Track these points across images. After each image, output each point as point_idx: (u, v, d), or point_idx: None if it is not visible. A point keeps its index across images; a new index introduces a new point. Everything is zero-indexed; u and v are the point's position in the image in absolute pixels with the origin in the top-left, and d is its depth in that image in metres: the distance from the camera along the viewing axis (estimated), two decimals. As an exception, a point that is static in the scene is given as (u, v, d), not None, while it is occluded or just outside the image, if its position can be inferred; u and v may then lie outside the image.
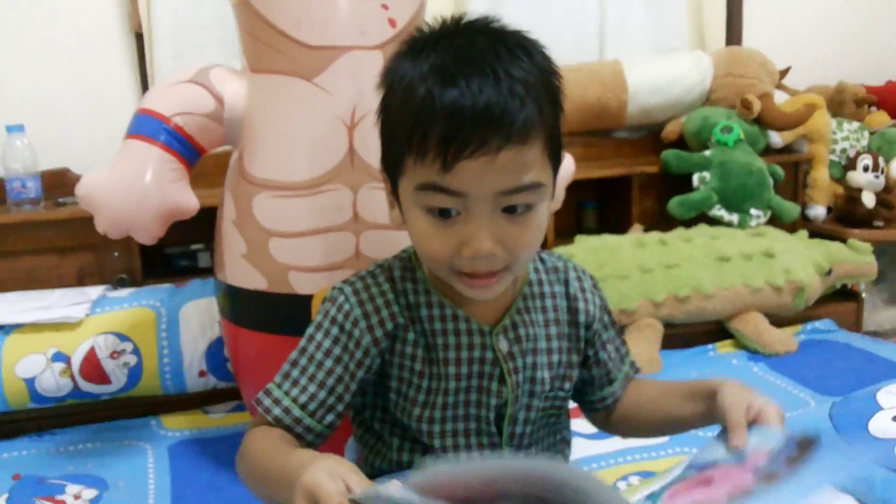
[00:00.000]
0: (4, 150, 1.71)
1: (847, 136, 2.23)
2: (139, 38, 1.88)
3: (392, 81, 0.70)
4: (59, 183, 1.80)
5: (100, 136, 1.79)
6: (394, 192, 0.73)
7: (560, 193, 1.32)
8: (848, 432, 1.31)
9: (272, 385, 0.75)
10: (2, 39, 1.82)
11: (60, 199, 1.76)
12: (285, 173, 1.11)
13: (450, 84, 0.64)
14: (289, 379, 0.74)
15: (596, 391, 0.85)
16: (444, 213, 0.67)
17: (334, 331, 0.74)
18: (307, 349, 0.75)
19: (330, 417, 0.74)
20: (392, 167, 0.72)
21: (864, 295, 2.09)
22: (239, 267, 1.16)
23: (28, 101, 1.83)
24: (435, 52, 0.67)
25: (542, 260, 0.82)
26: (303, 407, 0.73)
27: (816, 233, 2.03)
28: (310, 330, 0.76)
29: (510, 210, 0.67)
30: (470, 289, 0.70)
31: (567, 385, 0.81)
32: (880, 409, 1.34)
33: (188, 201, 1.14)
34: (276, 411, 0.73)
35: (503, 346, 0.76)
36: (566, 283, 0.82)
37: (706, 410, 0.73)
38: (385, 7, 1.11)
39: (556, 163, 0.71)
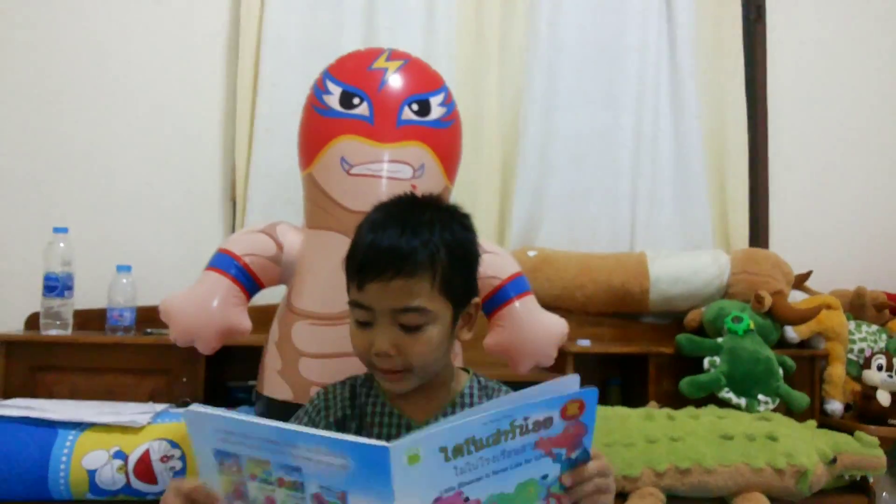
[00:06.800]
0: (112, 284, 2.08)
1: (865, 337, 2.35)
2: (234, 204, 2.29)
3: (356, 230, 1.00)
4: (150, 317, 2.12)
5: (191, 281, 2.14)
6: None
7: (552, 351, 1.53)
8: None
9: None
10: (121, 196, 2.27)
11: (149, 330, 2.08)
12: (320, 306, 1.39)
13: (372, 232, 0.94)
14: None
15: None
16: (363, 324, 0.95)
17: (305, 419, 1.02)
18: None
19: None
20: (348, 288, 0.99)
21: (885, 495, 2.11)
22: (274, 380, 1.41)
23: (138, 247, 2.23)
24: (380, 211, 0.98)
25: (478, 381, 1.06)
26: None
27: (832, 426, 2.11)
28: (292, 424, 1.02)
29: (405, 327, 0.93)
30: (383, 380, 0.97)
31: None
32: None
33: (243, 323, 1.42)
34: None
35: None
36: (492, 398, 1.04)
37: None
38: (414, 187, 1.42)
39: (454, 299, 0.96)
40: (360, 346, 0.95)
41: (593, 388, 0.78)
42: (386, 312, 0.92)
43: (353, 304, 0.95)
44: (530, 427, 0.74)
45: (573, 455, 0.81)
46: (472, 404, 1.03)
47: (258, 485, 0.74)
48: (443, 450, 0.69)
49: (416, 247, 0.92)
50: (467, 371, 1.08)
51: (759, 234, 2.62)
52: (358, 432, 0.99)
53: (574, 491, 0.81)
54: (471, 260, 1.00)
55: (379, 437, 0.98)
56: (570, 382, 0.80)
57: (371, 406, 1.02)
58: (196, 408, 0.74)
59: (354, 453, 0.67)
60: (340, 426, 1.01)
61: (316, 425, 1.00)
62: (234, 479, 0.75)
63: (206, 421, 0.74)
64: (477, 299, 1.02)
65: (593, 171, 2.49)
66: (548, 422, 0.76)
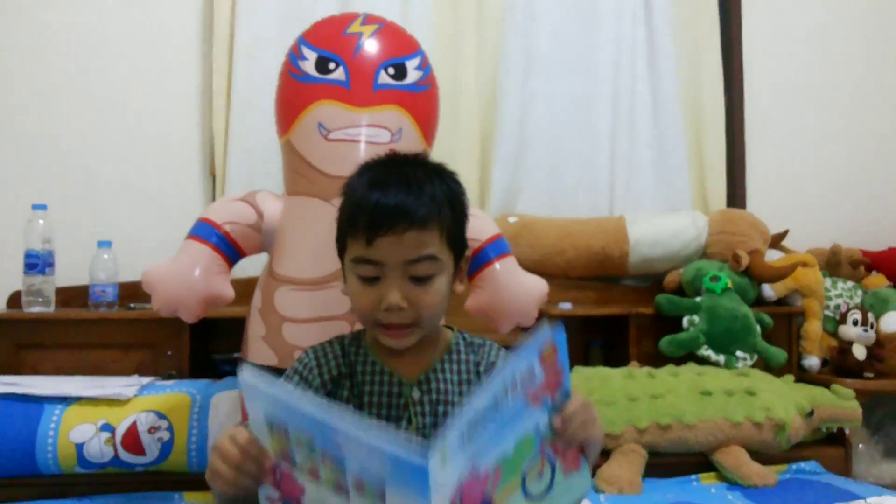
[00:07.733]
0: (93, 261, 2.07)
1: (841, 293, 2.39)
2: (214, 178, 2.29)
3: (345, 191, 1.00)
4: (133, 293, 2.13)
5: (172, 255, 2.15)
6: (343, 269, 1.01)
7: (532, 311, 1.55)
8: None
9: None
10: (100, 172, 2.26)
11: (132, 305, 2.08)
12: (302, 271, 1.40)
13: (376, 190, 0.94)
14: None
15: None
16: (369, 280, 0.95)
17: (295, 379, 1.01)
18: None
19: None
20: (340, 249, 1.00)
21: (860, 446, 2.17)
22: (258, 347, 1.42)
23: (118, 223, 2.22)
24: (374, 170, 0.98)
25: (463, 337, 1.08)
26: None
27: (809, 381, 2.15)
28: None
29: (416, 279, 0.94)
30: (388, 338, 0.98)
31: None
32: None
33: (226, 291, 1.43)
34: None
35: (415, 394, 1.00)
36: (481, 355, 1.06)
37: None
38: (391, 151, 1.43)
39: (455, 251, 0.99)
40: (367, 303, 0.95)
41: (558, 324, 0.81)
42: (398, 265, 0.93)
43: (360, 260, 0.95)
44: (518, 385, 0.77)
45: (556, 398, 0.84)
46: (459, 361, 1.04)
47: (305, 454, 0.76)
48: (461, 438, 0.71)
49: (425, 200, 0.94)
50: (451, 328, 1.10)
51: (736, 195, 2.64)
52: (351, 390, 1.00)
53: (565, 431, 0.85)
54: (465, 212, 1.02)
55: (371, 395, 0.99)
56: (540, 331, 0.82)
57: (361, 365, 1.02)
58: (250, 377, 0.76)
59: (393, 461, 0.68)
60: (335, 384, 1.01)
61: (309, 384, 1.00)
62: (282, 444, 0.77)
63: (257, 392, 0.76)
64: (468, 252, 1.05)
65: (572, 137, 2.50)
66: (531, 374, 0.79)
